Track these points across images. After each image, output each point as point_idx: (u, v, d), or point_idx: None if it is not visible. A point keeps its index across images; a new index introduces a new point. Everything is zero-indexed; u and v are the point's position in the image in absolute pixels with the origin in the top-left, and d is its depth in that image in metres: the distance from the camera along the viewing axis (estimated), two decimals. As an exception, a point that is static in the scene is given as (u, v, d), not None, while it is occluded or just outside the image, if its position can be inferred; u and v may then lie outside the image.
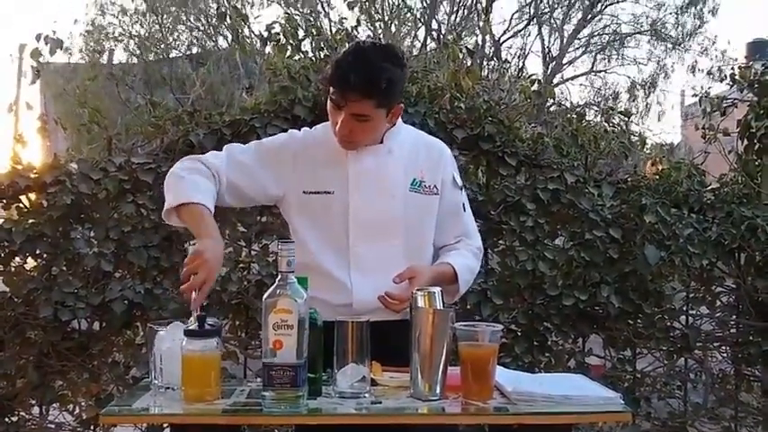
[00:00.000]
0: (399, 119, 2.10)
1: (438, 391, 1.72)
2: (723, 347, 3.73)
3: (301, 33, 3.60)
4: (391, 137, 2.08)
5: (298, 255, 1.67)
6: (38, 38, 3.74)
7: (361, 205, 2.03)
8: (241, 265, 3.41)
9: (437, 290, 1.84)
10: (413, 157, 2.10)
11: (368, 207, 2.03)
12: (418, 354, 1.73)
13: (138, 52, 13.92)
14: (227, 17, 3.86)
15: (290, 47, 3.54)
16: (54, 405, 3.41)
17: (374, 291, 1.98)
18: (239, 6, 10.38)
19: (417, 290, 1.84)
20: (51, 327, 3.23)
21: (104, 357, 3.37)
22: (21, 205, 3.35)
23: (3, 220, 3.33)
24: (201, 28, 14.47)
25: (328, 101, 2.00)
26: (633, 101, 15.29)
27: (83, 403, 3.41)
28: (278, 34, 3.55)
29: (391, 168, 2.06)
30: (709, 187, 3.74)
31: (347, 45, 3.46)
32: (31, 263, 3.39)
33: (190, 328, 1.69)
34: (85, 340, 3.32)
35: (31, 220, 3.30)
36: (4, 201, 3.35)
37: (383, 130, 2.05)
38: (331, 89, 1.97)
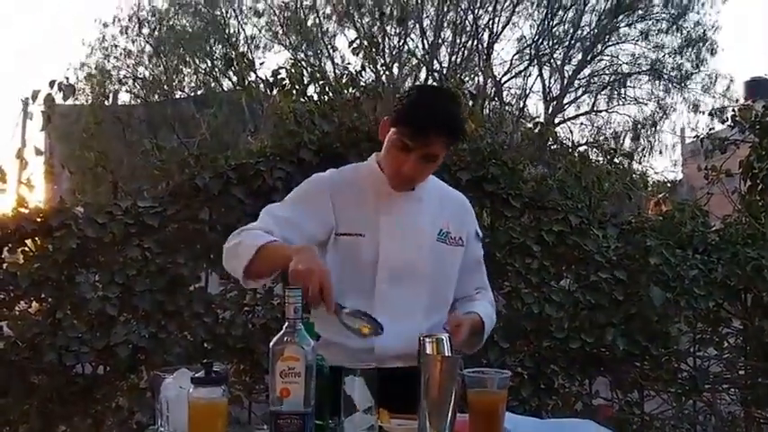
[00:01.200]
0: None
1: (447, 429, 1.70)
2: (732, 389, 3.70)
3: (306, 78, 3.64)
4: (421, 185, 2.08)
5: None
6: (51, 84, 3.78)
7: (391, 250, 2.01)
8: (246, 309, 3.40)
9: (445, 336, 1.84)
10: (440, 207, 2.10)
11: (397, 253, 2.02)
12: (426, 401, 1.72)
13: (141, 94, 14.08)
14: (234, 63, 3.90)
15: (295, 91, 3.58)
16: (57, 451, 3.38)
17: (396, 337, 1.95)
18: (245, 50, 10.52)
19: (425, 336, 1.83)
20: (55, 372, 3.21)
21: (108, 402, 3.34)
22: (26, 249, 3.35)
23: (8, 263, 3.33)
24: (206, 70, 14.64)
25: (393, 143, 1.96)
26: (635, 140, 15.38)
27: (86, 449, 3.37)
28: (284, 79, 3.60)
29: (421, 217, 2.07)
30: (714, 228, 3.74)
31: (350, 89, 3.50)
32: (35, 306, 3.38)
33: (196, 375, 1.67)
34: (89, 385, 3.29)
35: (36, 265, 3.30)
36: (10, 245, 3.35)
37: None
38: (405, 130, 1.93)
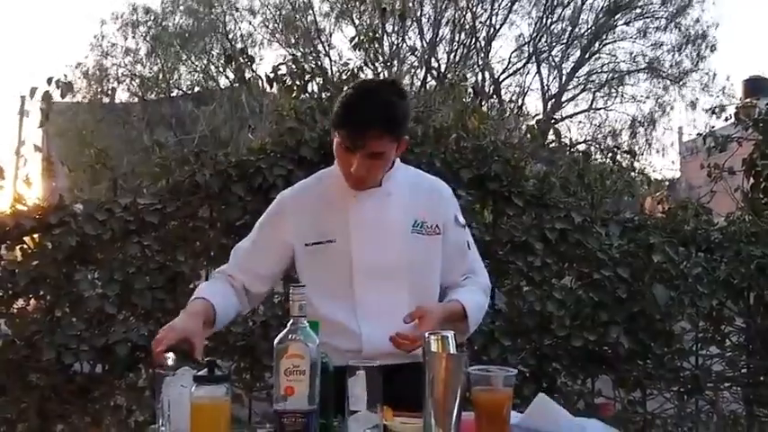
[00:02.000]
0: (397, 159, 2.08)
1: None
2: (734, 388, 3.68)
3: (307, 75, 3.61)
4: (389, 178, 2.06)
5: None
6: (49, 81, 3.76)
7: (364, 252, 2.00)
8: (246, 306, 3.37)
9: (450, 333, 1.81)
10: (412, 197, 2.07)
11: (370, 253, 2.00)
12: (432, 399, 1.69)
13: (139, 92, 14.05)
14: (233, 59, 3.87)
15: (296, 87, 3.55)
16: (55, 450, 3.35)
17: (383, 335, 1.94)
18: (243, 47, 10.48)
19: (430, 334, 1.80)
20: (53, 370, 3.18)
21: (106, 401, 3.31)
22: (25, 246, 3.33)
23: (6, 261, 3.30)
24: (203, 67, 14.62)
25: (337, 146, 1.97)
26: (633, 138, 15.39)
27: (84, 449, 3.35)
28: (284, 75, 3.57)
29: (392, 212, 2.04)
30: (717, 226, 3.72)
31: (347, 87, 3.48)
32: (33, 304, 3.35)
33: (199, 374, 1.65)
34: (87, 383, 3.27)
35: (34, 262, 3.28)
36: (8, 242, 3.32)
37: (394, 159, 2.04)
38: (342, 132, 1.93)
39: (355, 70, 3.54)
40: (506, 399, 1.70)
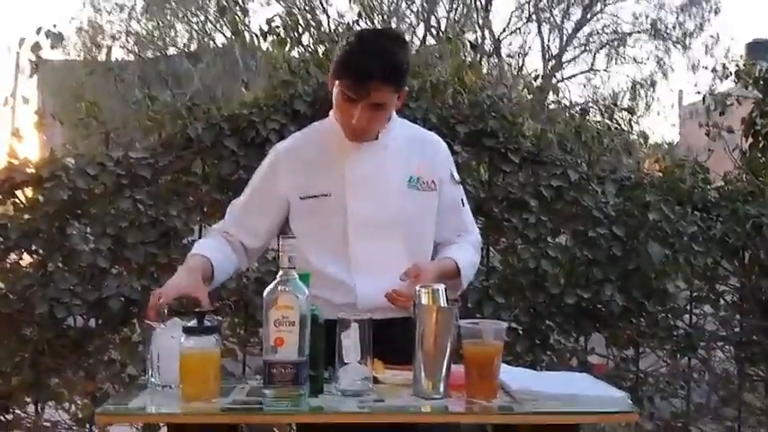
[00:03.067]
0: (394, 113, 2.07)
1: (441, 389, 1.68)
2: (726, 347, 3.70)
3: (301, 27, 3.55)
4: (386, 132, 2.03)
5: (297, 259, 1.63)
6: (38, 31, 3.69)
7: (360, 206, 1.99)
8: (240, 262, 3.36)
9: (441, 287, 1.80)
10: (408, 152, 2.05)
11: (366, 207, 1.99)
12: (422, 351, 1.69)
13: (135, 50, 13.89)
14: (226, 11, 3.80)
15: (289, 40, 3.49)
16: (50, 403, 3.37)
17: (377, 289, 1.94)
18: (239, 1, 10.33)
19: (421, 287, 1.79)
20: (47, 324, 3.18)
21: (100, 355, 3.32)
22: (17, 201, 3.30)
23: (-1, 215, 3.28)
24: (200, 25, 14.44)
25: (337, 96, 1.94)
26: (633, 99, 15.28)
27: (78, 401, 3.36)
28: (278, 27, 3.51)
29: (388, 166, 2.02)
30: (714, 185, 3.70)
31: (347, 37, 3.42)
32: (26, 259, 3.34)
33: (188, 325, 1.64)
34: (81, 338, 3.27)
35: (26, 216, 3.26)
36: (0, 196, 3.30)
37: (394, 110, 2.03)
38: (344, 83, 1.90)
39: (350, 23, 3.47)
40: (496, 352, 1.70)
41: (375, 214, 1.99)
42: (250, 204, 2.10)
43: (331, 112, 2.04)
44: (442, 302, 1.77)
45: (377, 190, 2.00)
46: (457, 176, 2.15)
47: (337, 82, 1.93)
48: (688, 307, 3.61)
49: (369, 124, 1.94)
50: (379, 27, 4.14)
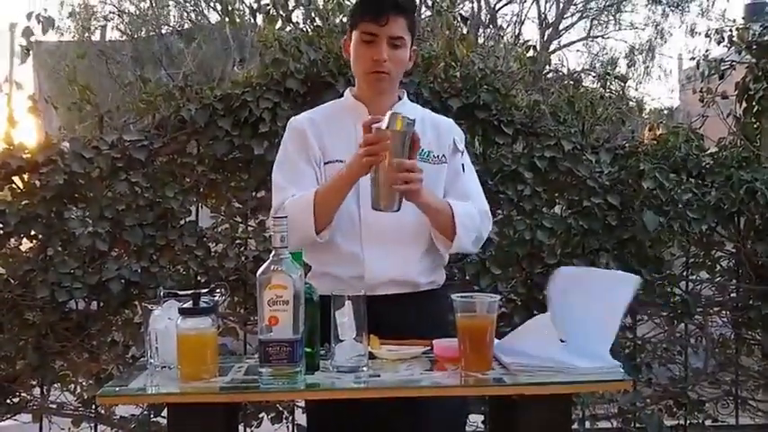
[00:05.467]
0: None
1: (396, 206, 1.86)
2: (723, 312, 3.72)
3: (291, 3, 3.53)
4: (401, 107, 2.07)
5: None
6: (29, 16, 3.66)
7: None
8: (238, 242, 3.39)
9: (401, 113, 1.86)
10: (421, 127, 2.05)
11: None
12: (376, 173, 1.85)
13: (128, 30, 13.77)
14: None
15: (280, 18, 3.47)
16: (55, 385, 3.42)
17: (386, 262, 1.99)
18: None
19: (391, 112, 1.86)
20: (49, 308, 3.22)
21: (103, 337, 3.36)
22: (14, 186, 3.32)
23: (-4, 201, 3.30)
24: (193, 2, 14.29)
25: (356, 44, 2.04)
26: (631, 66, 15.19)
27: (83, 383, 3.41)
28: (268, 5, 3.49)
29: None
30: (708, 151, 3.70)
31: (338, 14, 3.41)
32: (26, 244, 3.36)
33: (184, 306, 1.67)
34: (83, 320, 3.31)
35: (24, 201, 3.27)
36: (-2, 182, 3.32)
37: (407, 66, 2.11)
38: (364, 21, 2.02)
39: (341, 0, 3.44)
40: (489, 324, 1.72)
41: None
42: (295, 166, 2.06)
43: (346, 92, 2.15)
44: (397, 128, 1.84)
45: None
46: (460, 146, 2.18)
47: (355, 29, 2.04)
48: (684, 274, 3.63)
49: (390, 59, 2.02)
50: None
